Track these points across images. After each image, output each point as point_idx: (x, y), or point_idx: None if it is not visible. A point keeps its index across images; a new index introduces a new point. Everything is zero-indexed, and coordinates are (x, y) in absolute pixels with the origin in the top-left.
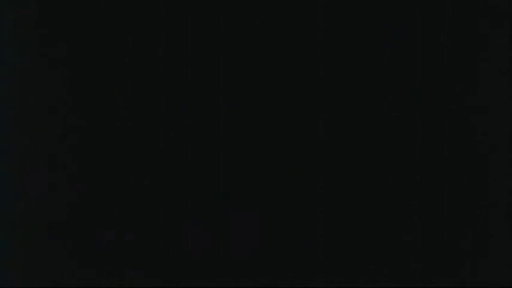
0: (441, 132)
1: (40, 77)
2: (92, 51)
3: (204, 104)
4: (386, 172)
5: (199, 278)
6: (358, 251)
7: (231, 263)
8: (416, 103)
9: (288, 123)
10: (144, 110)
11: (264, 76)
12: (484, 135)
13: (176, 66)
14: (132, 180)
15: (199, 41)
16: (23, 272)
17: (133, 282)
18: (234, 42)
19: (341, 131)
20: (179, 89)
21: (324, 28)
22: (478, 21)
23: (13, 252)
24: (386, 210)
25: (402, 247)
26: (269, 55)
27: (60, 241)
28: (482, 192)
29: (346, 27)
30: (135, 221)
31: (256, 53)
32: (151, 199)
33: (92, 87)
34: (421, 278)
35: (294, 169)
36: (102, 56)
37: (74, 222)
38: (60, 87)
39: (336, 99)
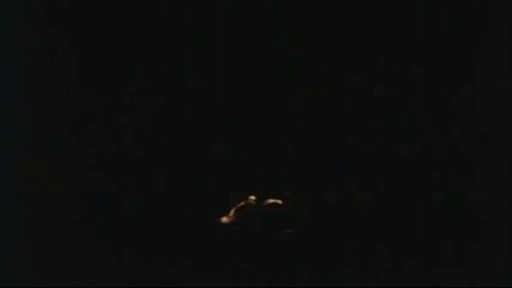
0: (441, 132)
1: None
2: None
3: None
4: (385, 172)
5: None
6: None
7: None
8: (415, 102)
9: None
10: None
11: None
12: (484, 135)
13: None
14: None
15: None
16: (25, 271)
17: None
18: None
19: (340, 131)
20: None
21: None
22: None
23: (15, 252)
24: (386, 210)
25: (400, 247)
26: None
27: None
28: (480, 192)
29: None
30: (139, 222)
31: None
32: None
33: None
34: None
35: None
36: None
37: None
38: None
39: (336, 100)
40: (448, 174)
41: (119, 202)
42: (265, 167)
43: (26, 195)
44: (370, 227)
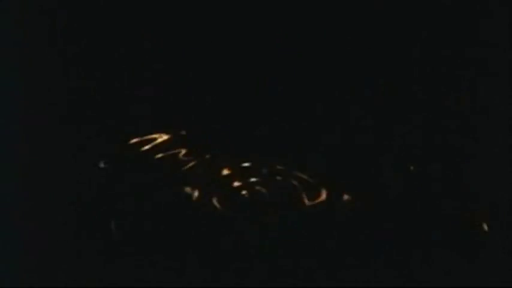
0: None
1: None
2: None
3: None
4: (386, 171)
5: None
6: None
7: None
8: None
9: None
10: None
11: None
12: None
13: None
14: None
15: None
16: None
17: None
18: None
19: (340, 130)
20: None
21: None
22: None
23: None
24: (385, 210)
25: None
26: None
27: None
28: (480, 191)
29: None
30: (139, 222)
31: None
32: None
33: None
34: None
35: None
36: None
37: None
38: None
39: (336, 99)
40: (449, 173)
41: (119, 201)
42: None
43: (26, 195)
44: (368, 226)
